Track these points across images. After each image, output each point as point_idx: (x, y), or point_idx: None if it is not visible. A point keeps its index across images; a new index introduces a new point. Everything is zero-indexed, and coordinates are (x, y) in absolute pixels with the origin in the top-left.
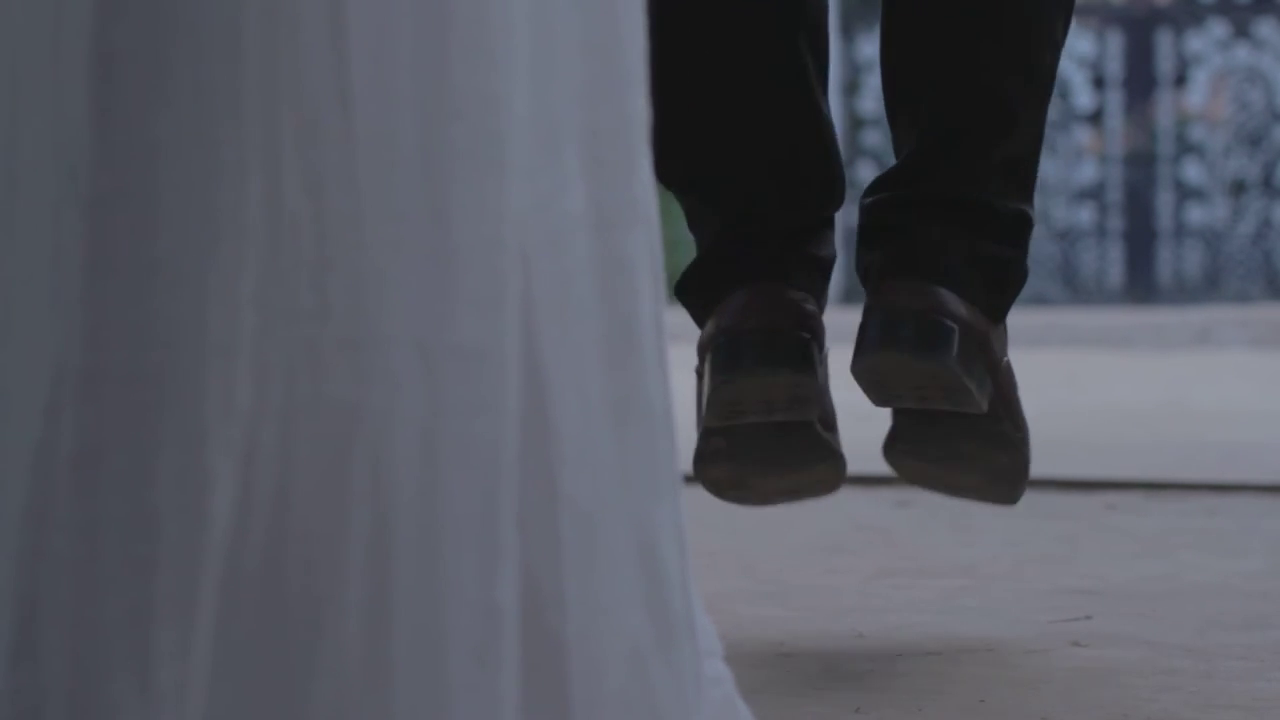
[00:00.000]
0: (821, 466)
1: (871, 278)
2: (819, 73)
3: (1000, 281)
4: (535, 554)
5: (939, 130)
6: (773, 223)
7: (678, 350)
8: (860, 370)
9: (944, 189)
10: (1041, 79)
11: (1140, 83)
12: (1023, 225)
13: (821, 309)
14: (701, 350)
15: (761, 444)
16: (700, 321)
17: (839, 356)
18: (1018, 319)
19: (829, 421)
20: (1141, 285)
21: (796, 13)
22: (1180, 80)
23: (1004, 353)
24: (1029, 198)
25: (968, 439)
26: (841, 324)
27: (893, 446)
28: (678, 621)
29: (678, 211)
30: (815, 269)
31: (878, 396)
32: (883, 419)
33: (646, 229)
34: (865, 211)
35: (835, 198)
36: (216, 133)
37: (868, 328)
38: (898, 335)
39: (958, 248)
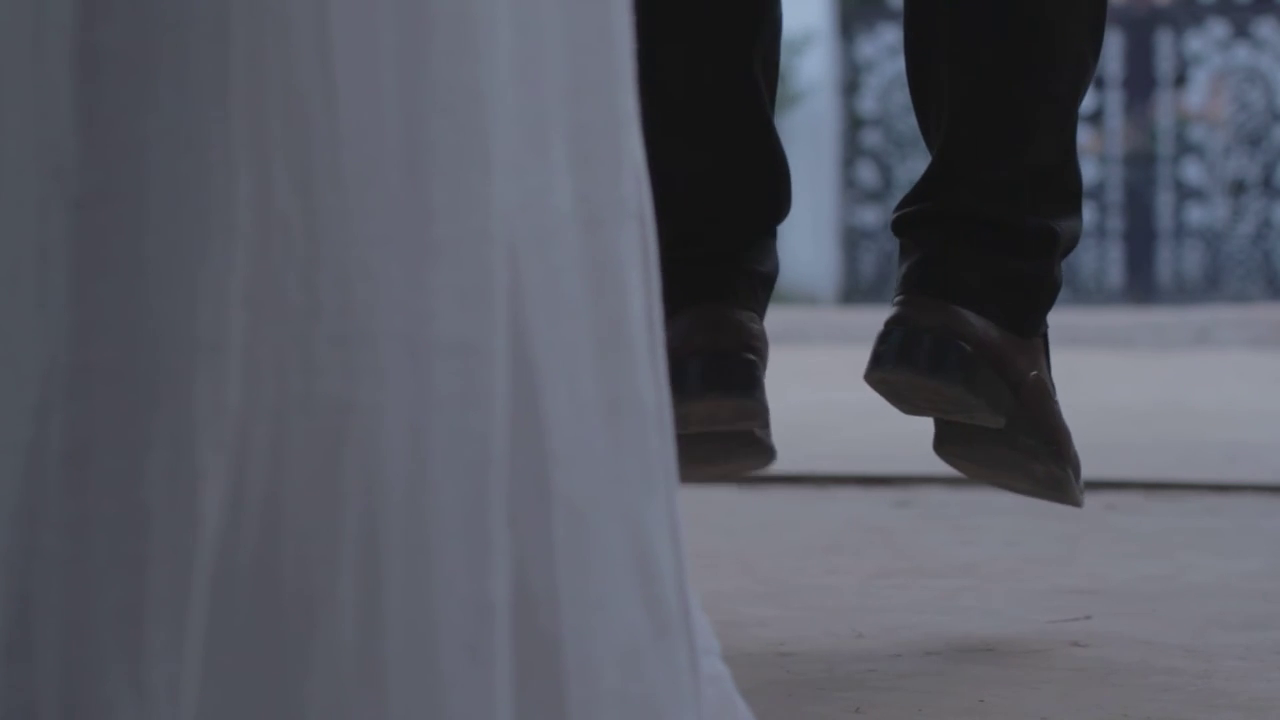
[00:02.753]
0: (749, 461)
1: (897, 290)
2: (770, 88)
3: (1025, 297)
4: (527, 551)
5: (958, 145)
6: (717, 241)
7: None
8: (875, 381)
9: (965, 204)
10: (1066, 102)
11: (1140, 83)
12: (1048, 240)
13: (762, 319)
14: None
15: (695, 446)
16: None
17: (838, 356)
18: None
19: (765, 422)
20: (1141, 285)
21: (752, 31)
22: (1180, 80)
23: (1034, 367)
24: (1064, 209)
25: (1001, 446)
26: (841, 324)
27: (942, 447)
28: (673, 619)
29: None
30: (759, 285)
31: (898, 407)
32: (881, 420)
33: (638, 225)
34: (894, 227)
35: (781, 213)
36: (204, 131)
37: (886, 340)
38: (911, 353)
39: (979, 265)
